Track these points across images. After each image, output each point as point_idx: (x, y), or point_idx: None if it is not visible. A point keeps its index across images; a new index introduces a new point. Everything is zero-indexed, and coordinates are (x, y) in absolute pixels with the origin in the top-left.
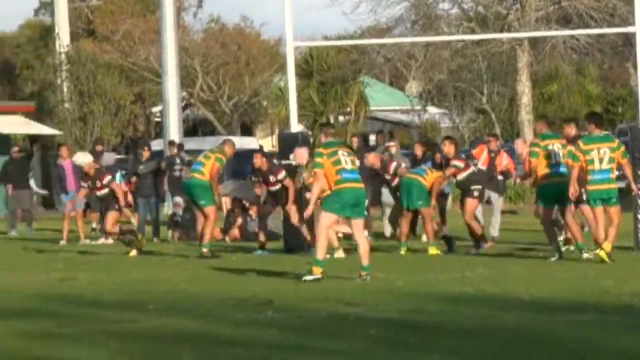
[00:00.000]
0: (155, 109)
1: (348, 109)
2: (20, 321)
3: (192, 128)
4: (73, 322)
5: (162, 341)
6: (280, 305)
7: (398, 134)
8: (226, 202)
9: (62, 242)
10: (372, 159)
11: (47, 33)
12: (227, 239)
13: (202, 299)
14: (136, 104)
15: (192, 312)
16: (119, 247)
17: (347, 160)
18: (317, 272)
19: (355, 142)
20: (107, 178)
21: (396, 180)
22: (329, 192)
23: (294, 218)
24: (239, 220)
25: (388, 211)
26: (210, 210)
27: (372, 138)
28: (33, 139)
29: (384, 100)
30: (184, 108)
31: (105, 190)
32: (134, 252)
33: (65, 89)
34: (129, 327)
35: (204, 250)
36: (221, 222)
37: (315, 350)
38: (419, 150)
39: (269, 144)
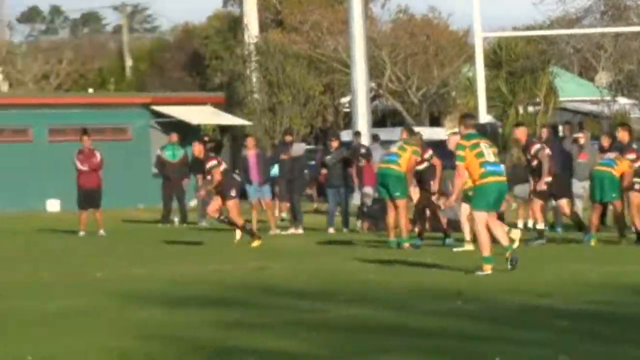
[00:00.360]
0: (344, 100)
1: (537, 100)
2: (216, 310)
3: (381, 119)
4: (267, 312)
5: (355, 332)
6: (470, 296)
7: (588, 125)
8: (415, 193)
9: None
10: (519, 133)
11: (235, 24)
12: (415, 229)
13: (391, 289)
14: (325, 95)
15: (382, 302)
16: (309, 237)
17: (489, 152)
18: (488, 269)
19: (544, 133)
20: (211, 163)
21: (535, 162)
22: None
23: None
24: (427, 212)
25: (578, 203)
26: (402, 202)
27: (561, 129)
28: (223, 129)
29: (574, 91)
30: (373, 99)
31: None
32: (256, 243)
33: (254, 80)
34: (322, 317)
35: (405, 244)
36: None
37: (506, 341)
38: (605, 142)
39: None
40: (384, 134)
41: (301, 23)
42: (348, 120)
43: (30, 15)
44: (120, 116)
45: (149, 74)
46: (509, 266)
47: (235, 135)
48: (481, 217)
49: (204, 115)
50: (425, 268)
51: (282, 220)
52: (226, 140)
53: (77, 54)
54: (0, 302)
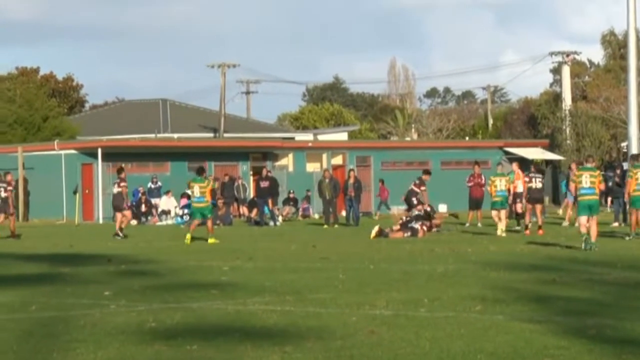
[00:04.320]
0: (623, 144)
1: None
2: (537, 274)
3: None
4: (573, 274)
5: (626, 287)
6: None
7: None
8: None
9: None
10: None
11: (557, 97)
12: None
13: None
14: (611, 141)
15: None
16: None
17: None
18: None
19: None
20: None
21: None
22: None
23: None
24: None
25: None
26: None
27: None
28: (547, 162)
29: None
30: None
31: None
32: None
33: (567, 132)
34: (603, 277)
35: None
36: None
37: None
38: None
39: None
40: None
41: (598, 97)
42: (625, 156)
43: (431, 92)
44: (484, 154)
45: (502, 128)
46: None
47: (555, 165)
48: None
49: (535, 153)
50: None
51: None
52: (548, 168)
53: (459, 116)
54: (410, 266)
